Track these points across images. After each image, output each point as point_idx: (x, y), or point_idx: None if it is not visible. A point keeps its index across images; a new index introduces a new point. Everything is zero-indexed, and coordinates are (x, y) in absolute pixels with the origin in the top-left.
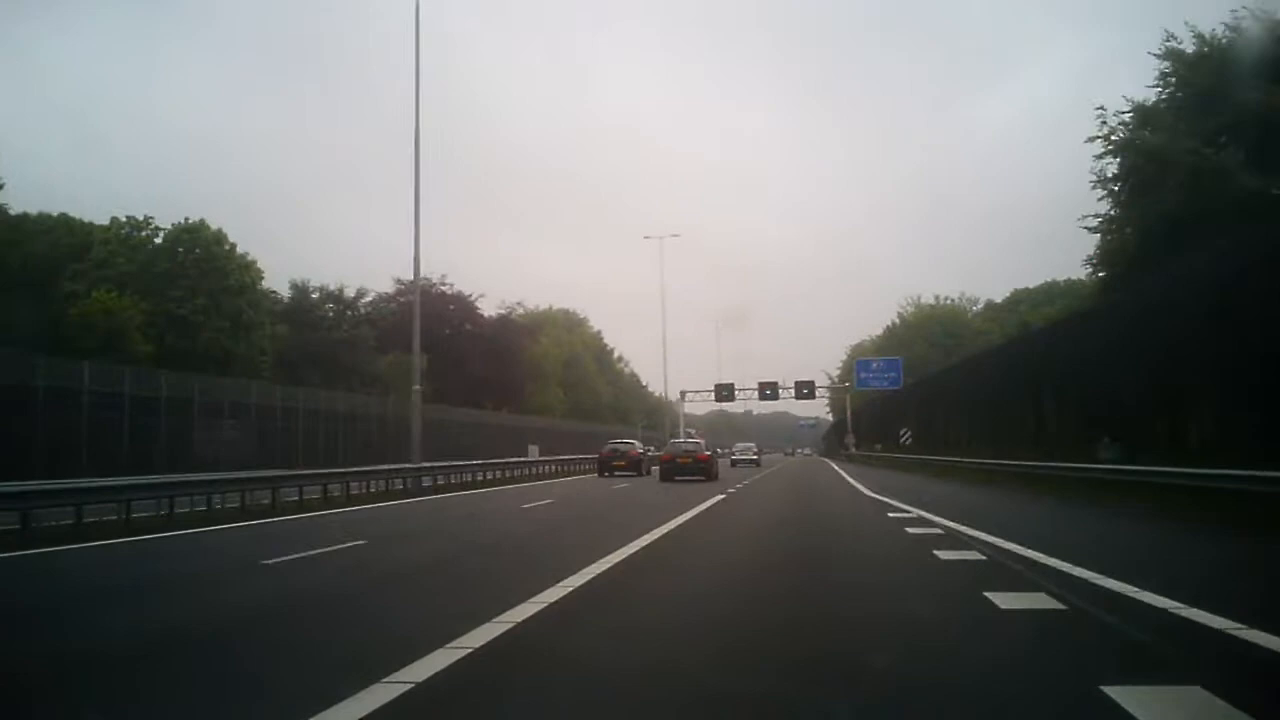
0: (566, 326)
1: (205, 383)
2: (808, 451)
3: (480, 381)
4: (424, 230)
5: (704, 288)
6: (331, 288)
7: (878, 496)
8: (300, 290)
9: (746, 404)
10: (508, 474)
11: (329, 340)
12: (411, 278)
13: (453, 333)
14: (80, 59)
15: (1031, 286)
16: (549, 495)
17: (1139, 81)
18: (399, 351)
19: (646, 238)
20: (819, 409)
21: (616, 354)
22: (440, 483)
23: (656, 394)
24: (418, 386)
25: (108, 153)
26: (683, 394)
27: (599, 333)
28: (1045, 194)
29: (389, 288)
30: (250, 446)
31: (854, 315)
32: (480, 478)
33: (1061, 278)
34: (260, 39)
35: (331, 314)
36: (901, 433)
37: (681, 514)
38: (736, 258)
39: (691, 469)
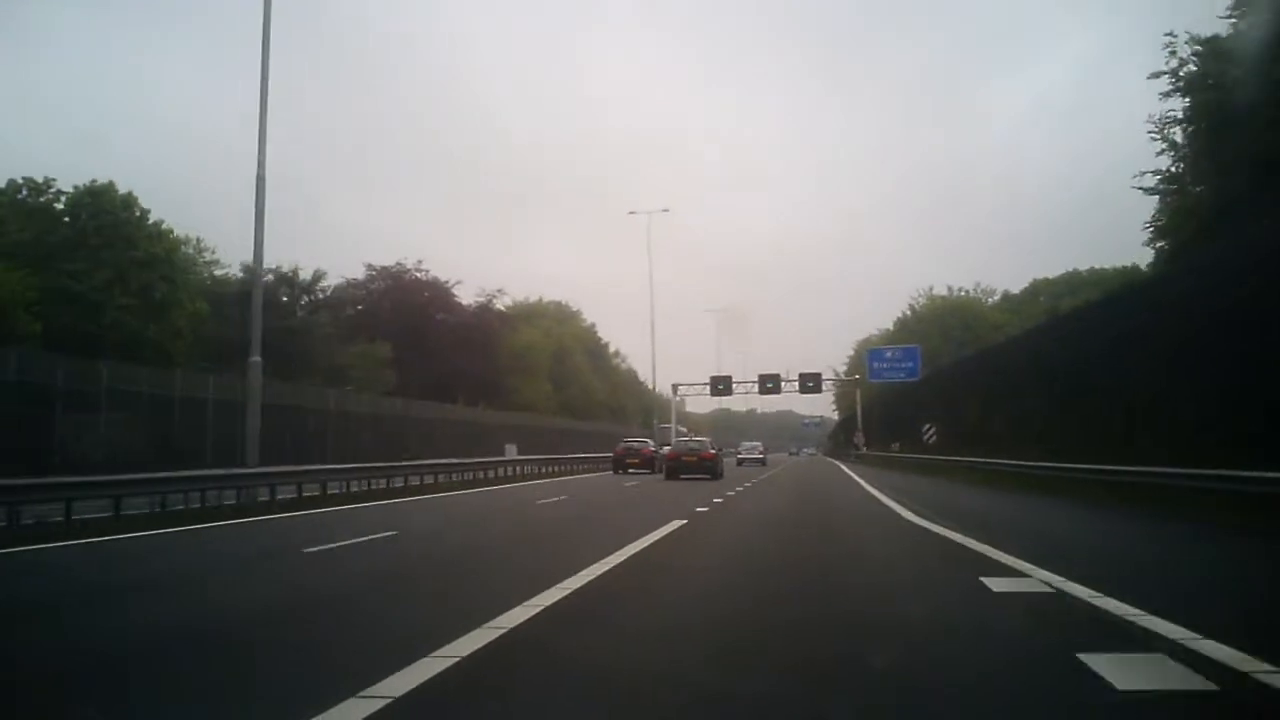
0: (557, 319)
1: (79, 367)
2: (812, 451)
3: (455, 374)
4: (416, 222)
5: (704, 285)
6: (285, 269)
7: (946, 532)
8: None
9: (748, 399)
10: (432, 480)
11: (283, 328)
12: (385, 263)
13: (425, 321)
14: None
15: (1052, 277)
16: (401, 523)
17: (1156, 67)
18: (364, 340)
19: (632, 213)
20: (824, 406)
21: (613, 349)
22: (304, 495)
23: (657, 391)
24: (256, 358)
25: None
26: (675, 387)
27: (592, 325)
28: (1064, 183)
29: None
30: (138, 443)
31: (860, 312)
32: (378, 486)
33: (1084, 267)
34: (253, 24)
35: (285, 299)
36: (924, 429)
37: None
38: (738, 254)
39: (697, 467)
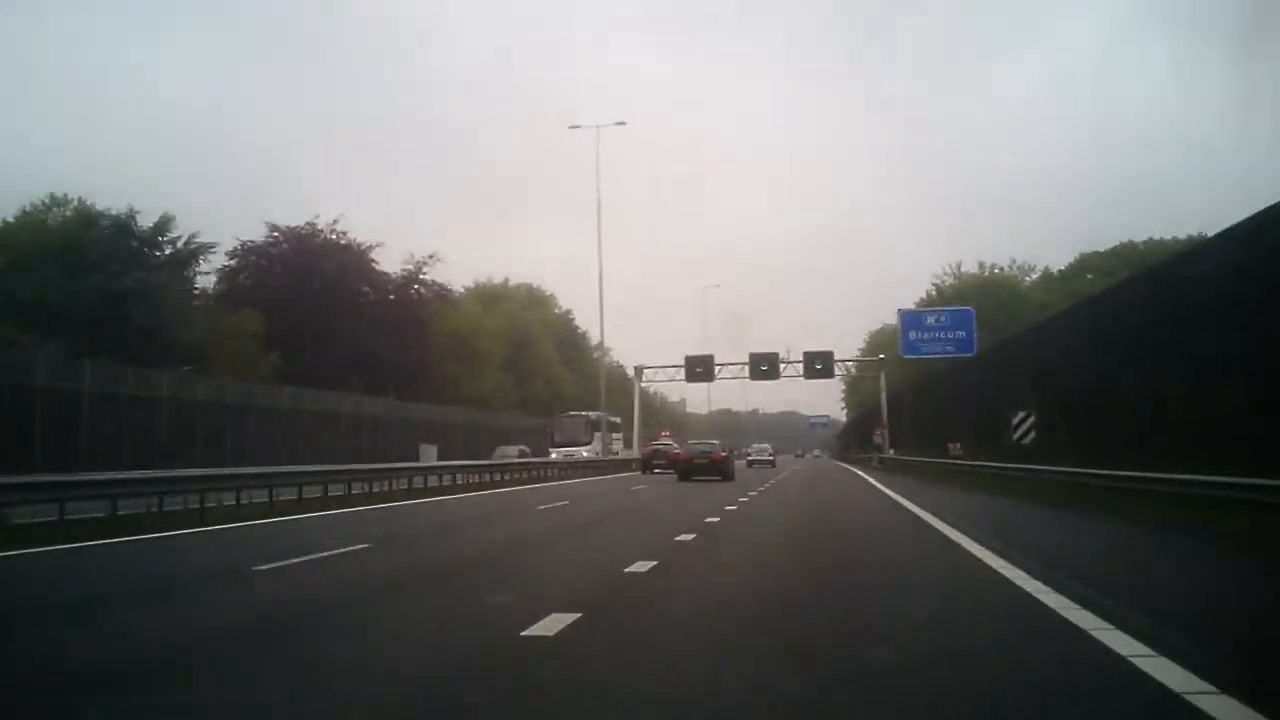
0: (525, 303)
1: None
2: (818, 453)
3: (371, 358)
4: (404, 205)
5: (703, 284)
6: (121, 214)
7: None
8: (84, 220)
9: (748, 399)
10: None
11: (115, 291)
12: (291, 223)
13: (335, 294)
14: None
15: (1102, 250)
16: None
17: (1177, 32)
18: (234, 312)
19: (574, 127)
20: (831, 404)
21: (595, 341)
22: None
23: (651, 391)
24: None
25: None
26: (638, 370)
27: (568, 312)
28: (1097, 157)
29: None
30: None
31: (869, 304)
32: None
33: (1140, 238)
34: None
35: (123, 254)
36: (1017, 419)
37: None
38: (737, 250)
39: (708, 469)
